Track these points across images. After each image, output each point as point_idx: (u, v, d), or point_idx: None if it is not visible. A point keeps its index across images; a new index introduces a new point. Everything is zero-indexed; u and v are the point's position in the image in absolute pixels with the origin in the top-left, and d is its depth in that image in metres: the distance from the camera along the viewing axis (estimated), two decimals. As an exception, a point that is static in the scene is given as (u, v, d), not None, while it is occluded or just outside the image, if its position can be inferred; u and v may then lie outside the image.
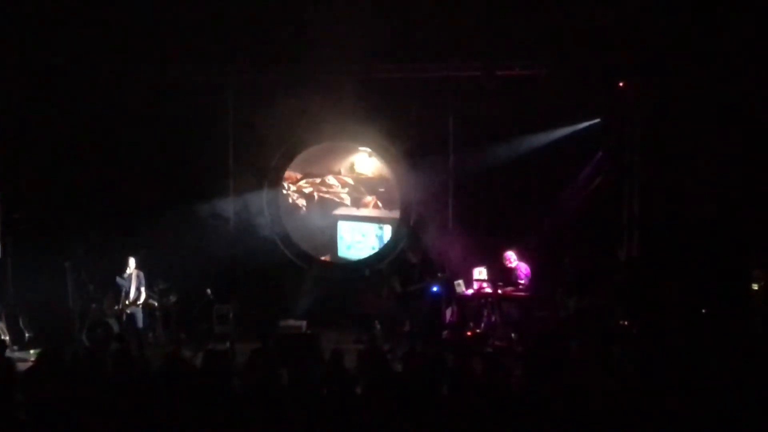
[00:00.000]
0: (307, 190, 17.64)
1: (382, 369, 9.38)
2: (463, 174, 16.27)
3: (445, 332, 14.84)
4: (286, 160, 17.15)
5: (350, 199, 17.55)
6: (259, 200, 16.87)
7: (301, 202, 17.67)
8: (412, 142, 16.36)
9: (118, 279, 14.53)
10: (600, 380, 8.86)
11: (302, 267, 17.05)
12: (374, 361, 9.71)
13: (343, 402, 8.05)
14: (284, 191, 17.54)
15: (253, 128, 16.10)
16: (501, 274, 14.73)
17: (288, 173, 17.52)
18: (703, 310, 13.93)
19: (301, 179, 17.66)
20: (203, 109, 15.76)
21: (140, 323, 14.57)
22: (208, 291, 14.97)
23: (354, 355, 10.39)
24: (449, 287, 14.91)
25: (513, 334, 14.22)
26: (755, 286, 13.68)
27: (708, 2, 13.90)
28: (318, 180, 17.62)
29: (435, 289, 14.67)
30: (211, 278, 15.29)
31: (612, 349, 12.53)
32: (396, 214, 17.31)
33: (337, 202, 17.56)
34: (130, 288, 14.47)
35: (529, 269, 14.58)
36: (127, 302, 14.46)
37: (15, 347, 14.23)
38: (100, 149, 15.85)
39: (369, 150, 17.18)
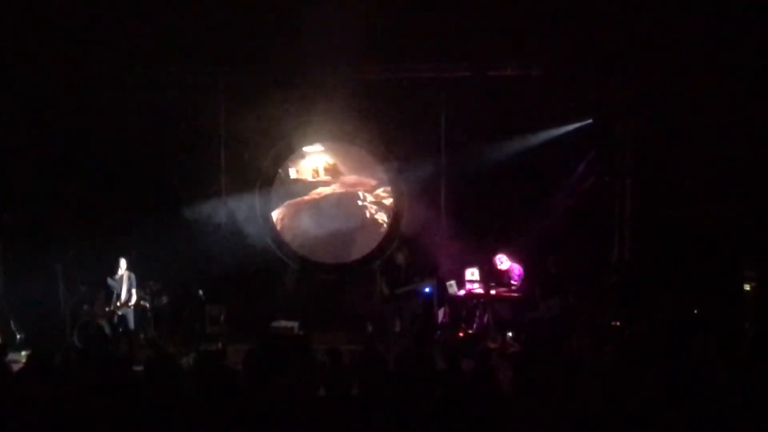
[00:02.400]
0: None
1: (379, 370, 9.37)
2: (455, 175, 16.25)
3: (437, 333, 14.85)
4: (278, 163, 17.12)
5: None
6: (251, 201, 16.83)
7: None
8: (403, 143, 16.35)
9: (109, 280, 14.53)
10: (592, 381, 8.86)
11: (294, 268, 17.02)
12: (371, 362, 9.69)
13: (340, 403, 8.03)
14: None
15: (244, 129, 16.09)
16: (493, 275, 14.74)
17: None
18: (695, 311, 13.95)
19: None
20: (194, 109, 15.72)
21: (132, 324, 14.59)
22: (200, 292, 14.95)
23: (347, 355, 10.37)
24: (441, 288, 14.93)
25: (510, 334, 14.26)
26: (747, 287, 13.69)
27: (702, 2, 13.91)
28: None
29: (427, 290, 14.69)
30: (202, 279, 15.26)
31: (604, 349, 12.55)
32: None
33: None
34: (121, 289, 14.48)
35: (522, 270, 14.59)
36: (118, 303, 14.47)
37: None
38: (90, 150, 15.80)
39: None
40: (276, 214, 17.40)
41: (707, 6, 13.67)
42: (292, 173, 17.45)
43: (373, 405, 7.96)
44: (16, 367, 10.28)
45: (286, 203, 17.43)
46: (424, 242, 15.68)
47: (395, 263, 14.75)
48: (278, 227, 17.34)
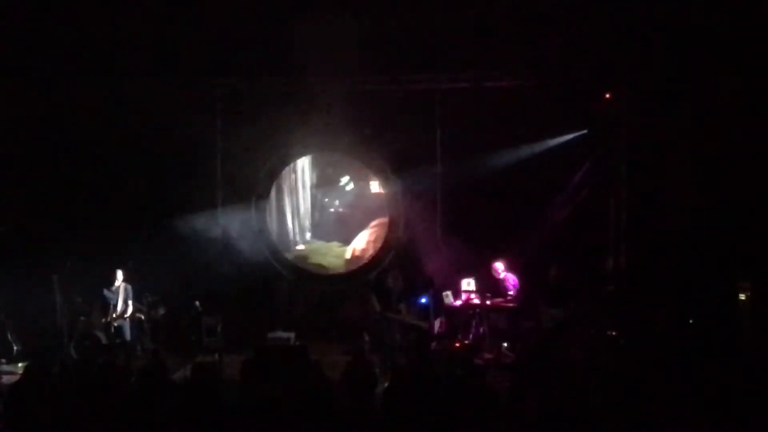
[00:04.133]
0: None
1: (368, 381, 9.41)
2: (451, 185, 16.26)
3: (433, 344, 14.84)
4: (275, 173, 17.14)
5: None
6: (246, 213, 16.83)
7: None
8: (400, 153, 16.38)
9: (105, 291, 14.54)
10: (586, 390, 8.88)
11: (291, 279, 17.02)
12: (360, 373, 9.72)
13: (328, 414, 8.04)
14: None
15: (240, 142, 16.12)
16: (489, 285, 14.74)
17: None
18: (691, 321, 13.98)
19: None
20: (191, 121, 15.71)
21: (128, 336, 14.58)
22: (197, 303, 14.95)
23: (343, 366, 10.39)
24: (437, 298, 14.92)
25: (505, 344, 14.26)
26: (742, 297, 13.72)
27: (694, 14, 13.97)
28: None
29: (423, 300, 14.69)
30: (199, 290, 15.26)
31: (599, 359, 12.57)
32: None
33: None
34: (117, 300, 14.49)
35: (517, 280, 14.59)
36: (114, 315, 14.48)
37: (3, 360, 14.18)
38: (87, 162, 15.82)
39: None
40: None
41: (701, 18, 13.74)
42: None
43: (366, 414, 7.98)
44: (12, 379, 10.33)
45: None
46: (419, 252, 15.69)
47: (384, 285, 14.72)
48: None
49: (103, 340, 14.53)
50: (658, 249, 15.00)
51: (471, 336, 14.68)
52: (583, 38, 14.72)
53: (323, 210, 17.69)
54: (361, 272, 16.99)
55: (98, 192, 15.92)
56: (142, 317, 15.11)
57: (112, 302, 14.54)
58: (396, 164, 16.60)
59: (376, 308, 14.30)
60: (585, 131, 15.83)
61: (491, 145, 15.84)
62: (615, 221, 16.06)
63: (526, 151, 15.85)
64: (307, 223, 17.73)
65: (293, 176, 17.64)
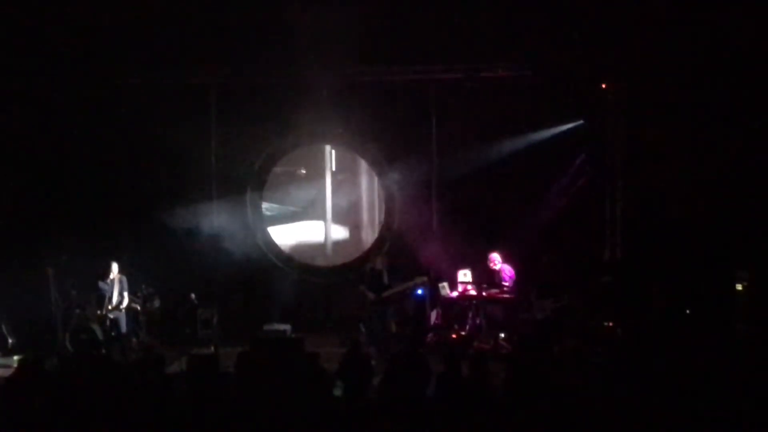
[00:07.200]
0: None
1: (364, 372, 9.40)
2: (446, 176, 16.24)
3: (429, 335, 14.83)
4: (269, 164, 17.08)
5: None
6: (242, 205, 16.78)
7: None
8: (395, 144, 16.34)
9: (100, 284, 14.47)
10: (584, 381, 8.88)
11: (286, 271, 16.98)
12: (357, 364, 9.71)
13: (323, 405, 8.03)
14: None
15: (235, 132, 16.07)
16: (485, 276, 14.72)
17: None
18: (687, 311, 13.97)
19: None
20: (185, 113, 15.67)
21: (124, 328, 14.52)
22: (192, 295, 14.93)
23: (339, 358, 10.38)
24: (434, 289, 14.92)
25: (502, 335, 14.25)
26: (739, 287, 13.71)
27: (689, 5, 13.95)
28: None
29: (420, 291, 14.68)
30: (194, 282, 15.23)
31: (596, 350, 12.56)
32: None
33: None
34: (112, 293, 14.41)
35: (513, 271, 14.57)
36: (110, 307, 14.40)
37: (-1, 353, 14.18)
38: (81, 154, 15.75)
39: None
40: None
41: (697, 9, 13.72)
42: None
43: (360, 406, 7.98)
44: (7, 372, 10.29)
45: None
46: (415, 243, 15.67)
47: (375, 269, 14.70)
48: None
49: (99, 332, 14.46)
50: (655, 239, 15.00)
51: (467, 327, 14.66)
52: (579, 27, 14.68)
53: None
54: (357, 263, 16.94)
55: (93, 185, 15.84)
56: (138, 308, 15.07)
57: (107, 294, 14.47)
58: (391, 155, 16.55)
59: (370, 298, 14.27)
60: (581, 121, 15.81)
61: (486, 135, 15.83)
62: (611, 211, 16.07)
63: (522, 141, 15.82)
64: None
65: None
